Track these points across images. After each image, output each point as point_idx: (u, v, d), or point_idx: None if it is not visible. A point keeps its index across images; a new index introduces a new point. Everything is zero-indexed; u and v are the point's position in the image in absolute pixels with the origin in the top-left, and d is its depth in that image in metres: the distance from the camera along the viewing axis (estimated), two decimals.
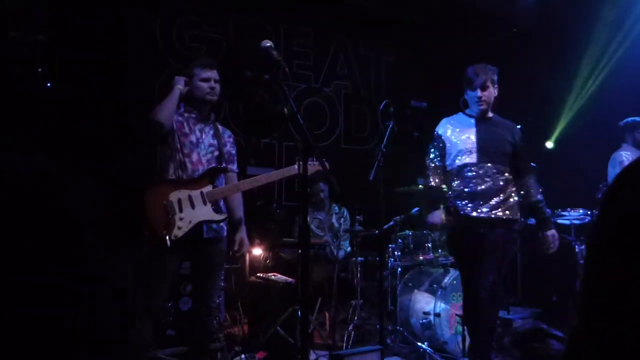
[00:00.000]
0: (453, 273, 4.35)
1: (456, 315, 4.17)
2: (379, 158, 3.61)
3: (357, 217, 4.97)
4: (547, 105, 6.65)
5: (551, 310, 5.43)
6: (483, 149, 3.45)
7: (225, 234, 3.23)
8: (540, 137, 6.62)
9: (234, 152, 3.39)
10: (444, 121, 3.68)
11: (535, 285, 6.07)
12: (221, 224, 3.17)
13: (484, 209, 3.41)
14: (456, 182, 3.51)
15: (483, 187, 3.41)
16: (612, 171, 4.95)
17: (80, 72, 4.59)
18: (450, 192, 3.55)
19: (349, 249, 5.20)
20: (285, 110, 2.43)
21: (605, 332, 0.66)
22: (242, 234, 3.31)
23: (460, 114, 3.66)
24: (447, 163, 3.57)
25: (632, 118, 5.01)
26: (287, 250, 4.75)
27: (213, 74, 3.20)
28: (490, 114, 3.59)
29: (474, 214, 3.41)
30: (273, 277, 4.52)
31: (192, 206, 3.03)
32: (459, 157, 3.50)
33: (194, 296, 3.22)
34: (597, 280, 0.70)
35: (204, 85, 3.16)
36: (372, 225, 4.76)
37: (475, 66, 3.54)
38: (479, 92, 3.48)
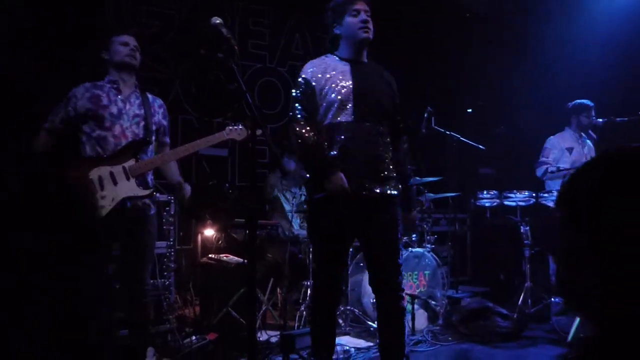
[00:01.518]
0: (404, 252, 4.42)
1: (406, 294, 4.25)
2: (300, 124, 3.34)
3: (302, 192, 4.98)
4: (497, 90, 6.79)
5: (498, 288, 5.61)
6: (361, 102, 2.79)
7: (152, 212, 3.10)
8: (489, 121, 6.77)
9: (165, 122, 3.26)
10: (308, 64, 2.94)
11: (483, 264, 6.25)
12: (148, 202, 3.06)
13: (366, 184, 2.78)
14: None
15: (362, 152, 2.79)
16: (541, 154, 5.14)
17: (30, 46, 4.40)
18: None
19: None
20: (238, 89, 2.39)
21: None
22: (184, 185, 3.19)
23: (329, 55, 2.97)
24: (318, 118, 2.84)
25: (580, 100, 5.13)
26: (239, 231, 4.72)
27: (131, 39, 3.09)
28: (365, 58, 2.96)
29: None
30: (225, 258, 4.49)
31: (115, 182, 2.90)
32: (331, 112, 2.80)
33: (124, 279, 3.07)
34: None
35: (123, 48, 3.05)
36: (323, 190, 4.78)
37: None
38: (363, 16, 2.85)
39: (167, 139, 3.30)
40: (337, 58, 2.93)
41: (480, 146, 5.21)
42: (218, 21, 2.41)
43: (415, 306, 4.30)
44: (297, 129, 2.77)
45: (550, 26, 6.31)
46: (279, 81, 6.30)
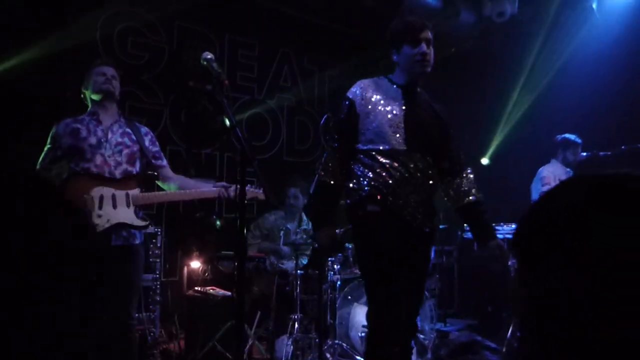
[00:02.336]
0: None
1: None
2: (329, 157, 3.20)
3: (297, 230, 4.97)
4: (482, 123, 6.88)
5: (486, 321, 5.59)
6: (412, 130, 2.62)
7: (137, 242, 3.04)
8: (476, 153, 6.84)
9: (155, 148, 3.26)
10: (357, 85, 2.75)
11: (471, 297, 6.24)
12: (134, 232, 3.02)
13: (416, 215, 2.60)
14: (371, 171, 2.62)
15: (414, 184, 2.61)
16: (535, 186, 5.15)
17: (22, 73, 4.40)
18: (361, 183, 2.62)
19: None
20: (226, 121, 2.40)
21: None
22: (215, 188, 3.14)
23: (382, 78, 2.79)
24: (359, 144, 2.67)
25: (567, 135, 5.17)
26: (226, 264, 4.68)
27: (108, 69, 3.09)
28: (418, 87, 2.82)
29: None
30: (211, 290, 4.44)
31: (114, 206, 2.90)
32: (380, 138, 2.61)
33: (109, 312, 2.96)
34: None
35: (100, 78, 3.06)
36: (312, 239, 4.76)
37: (409, 18, 2.79)
38: (423, 47, 2.65)
39: (163, 162, 3.28)
40: (389, 82, 2.75)
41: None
42: (209, 56, 2.44)
43: None
44: (324, 163, 2.66)
45: (534, 59, 6.44)
46: (267, 113, 6.34)
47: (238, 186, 3.09)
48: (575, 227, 0.69)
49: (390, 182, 2.53)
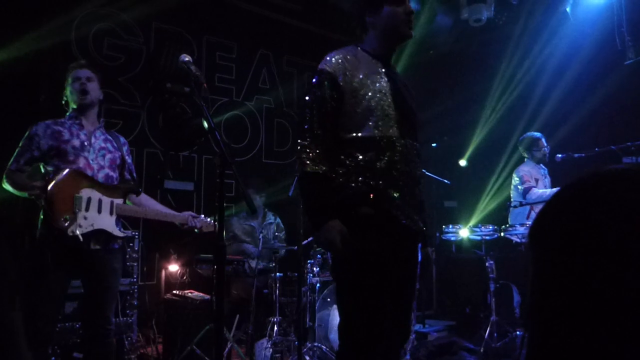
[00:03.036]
0: None
1: None
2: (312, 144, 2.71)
3: (283, 232, 4.96)
4: (460, 125, 6.95)
5: (464, 322, 5.63)
6: (402, 113, 2.23)
7: (115, 246, 3.03)
8: (454, 155, 6.90)
9: (130, 160, 3.26)
10: (332, 55, 2.27)
11: (449, 298, 6.29)
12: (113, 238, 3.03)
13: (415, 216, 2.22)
14: (362, 156, 2.16)
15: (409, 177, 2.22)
16: (514, 187, 5.21)
17: None
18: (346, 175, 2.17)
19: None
20: (204, 124, 2.38)
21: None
22: (184, 214, 3.16)
23: (353, 47, 2.34)
24: (345, 129, 2.19)
25: (528, 134, 5.25)
26: (205, 267, 4.64)
27: (83, 72, 3.04)
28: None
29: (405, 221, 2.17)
30: (190, 294, 4.40)
31: (99, 210, 2.90)
32: (371, 121, 2.17)
33: (85, 317, 2.97)
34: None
35: (75, 84, 3.02)
36: (291, 242, 4.76)
37: None
38: (409, 6, 2.30)
39: (134, 176, 3.28)
40: (362, 51, 2.30)
41: (446, 180, 5.30)
42: (187, 59, 2.42)
43: None
44: (307, 152, 2.14)
45: (510, 62, 6.53)
46: (246, 115, 6.32)
47: (204, 218, 3.15)
48: (594, 220, 0.70)
49: (384, 175, 2.13)
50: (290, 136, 6.73)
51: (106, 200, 2.94)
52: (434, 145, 6.58)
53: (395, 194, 2.14)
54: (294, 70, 6.79)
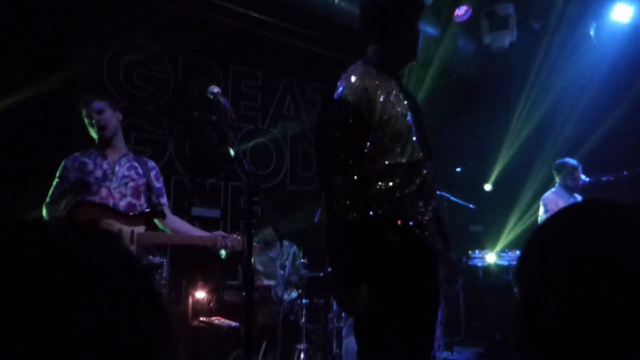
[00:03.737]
0: None
1: None
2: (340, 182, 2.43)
3: (301, 260, 4.97)
4: (484, 149, 6.92)
5: (494, 349, 5.53)
6: (421, 134, 2.13)
7: None
8: (479, 179, 6.86)
9: (159, 185, 3.26)
10: (349, 79, 2.06)
11: (477, 324, 6.19)
12: None
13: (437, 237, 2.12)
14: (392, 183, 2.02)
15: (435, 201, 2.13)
16: (541, 214, 5.06)
17: (29, 109, 4.44)
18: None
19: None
20: (232, 152, 2.43)
21: None
22: (214, 235, 3.12)
23: (364, 64, 2.14)
24: (371, 159, 2.04)
25: (563, 160, 5.08)
26: (232, 293, 4.67)
27: (92, 107, 3.06)
28: None
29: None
30: (217, 320, 4.43)
31: None
32: (399, 146, 2.03)
33: None
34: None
35: (91, 122, 3.07)
36: (318, 268, 4.76)
37: None
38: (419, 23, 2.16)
39: (164, 200, 3.28)
40: (374, 68, 2.12)
41: (471, 205, 5.27)
42: (216, 90, 2.48)
43: None
44: (335, 196, 1.96)
45: (533, 85, 6.51)
46: (271, 142, 6.39)
47: (236, 236, 3.11)
48: (576, 254, 0.70)
49: (415, 202, 2.01)
50: (314, 162, 6.77)
51: (126, 230, 2.93)
52: (458, 169, 6.56)
53: (426, 219, 2.02)
54: (318, 97, 6.87)
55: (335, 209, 1.95)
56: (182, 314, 4.89)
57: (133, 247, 2.95)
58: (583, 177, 4.92)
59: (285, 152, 6.54)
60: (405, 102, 2.09)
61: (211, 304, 4.80)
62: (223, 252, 4.65)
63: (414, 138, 2.06)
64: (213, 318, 4.48)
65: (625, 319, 0.64)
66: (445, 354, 4.84)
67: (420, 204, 2.03)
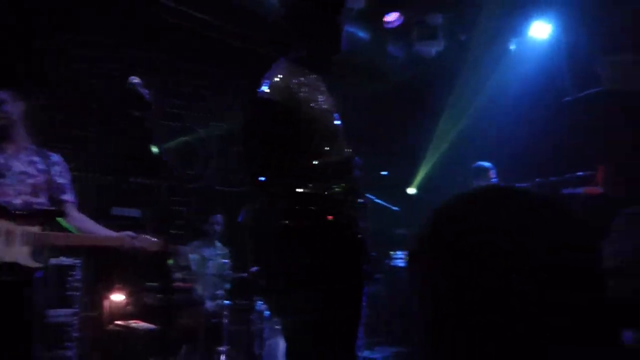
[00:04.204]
0: None
1: None
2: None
3: (225, 261, 4.91)
4: (410, 153, 7.09)
5: (415, 349, 5.65)
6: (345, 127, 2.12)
7: (38, 275, 2.77)
8: (404, 183, 7.03)
9: (62, 181, 3.00)
10: (273, 78, 2.02)
11: (399, 324, 6.31)
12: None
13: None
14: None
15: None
16: None
17: None
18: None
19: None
20: (154, 150, 2.33)
21: None
22: (120, 235, 2.92)
23: (289, 61, 2.14)
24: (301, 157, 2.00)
25: (479, 163, 5.34)
26: (150, 295, 4.53)
27: None
28: None
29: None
30: (134, 324, 4.28)
31: (7, 242, 2.66)
32: (327, 144, 2.03)
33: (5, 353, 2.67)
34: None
35: None
36: (241, 269, 4.71)
37: None
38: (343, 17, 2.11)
39: (67, 197, 3.00)
40: (298, 65, 2.11)
41: (395, 207, 5.37)
42: (136, 80, 2.37)
43: None
44: (267, 198, 1.96)
45: (461, 91, 6.73)
46: (199, 142, 6.26)
47: (146, 236, 2.87)
48: (461, 241, 0.73)
49: (342, 199, 1.99)
50: (243, 162, 6.68)
51: (19, 230, 2.70)
52: (384, 173, 6.68)
53: (356, 216, 2.00)
54: (247, 96, 6.80)
55: (267, 208, 1.93)
56: (98, 318, 4.69)
57: (26, 249, 2.70)
58: (496, 179, 5.21)
59: (213, 151, 6.42)
60: (330, 99, 2.08)
61: (129, 307, 4.64)
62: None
63: (340, 135, 2.05)
64: (130, 321, 4.33)
65: (521, 301, 0.66)
66: (365, 352, 4.90)
67: (351, 201, 2.00)
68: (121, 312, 4.54)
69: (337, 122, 2.05)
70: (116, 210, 5.20)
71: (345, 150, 2.04)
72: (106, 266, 4.26)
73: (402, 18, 6.17)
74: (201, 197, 6.01)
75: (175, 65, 6.13)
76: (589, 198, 4.96)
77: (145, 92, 2.36)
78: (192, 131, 6.22)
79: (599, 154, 5.48)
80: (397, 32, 6.36)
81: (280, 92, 1.97)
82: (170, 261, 3.02)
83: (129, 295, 4.57)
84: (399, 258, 5.01)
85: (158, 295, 4.45)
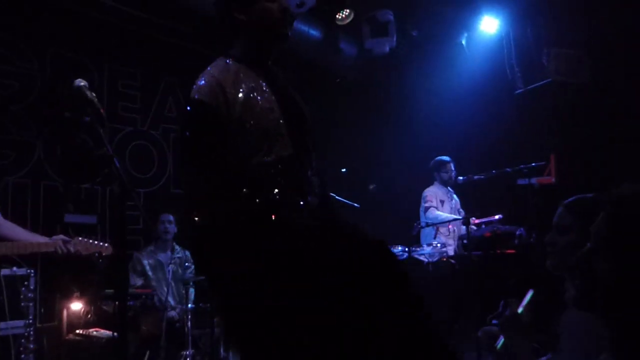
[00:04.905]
0: None
1: None
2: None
3: (187, 264, 4.83)
4: (368, 150, 7.15)
5: None
6: (293, 125, 2.00)
7: None
8: (363, 179, 7.08)
9: None
10: (205, 77, 1.96)
11: None
12: None
13: None
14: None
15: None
16: (421, 208, 5.48)
17: None
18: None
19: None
20: (106, 154, 2.27)
21: None
22: (53, 239, 2.83)
23: (222, 59, 2.05)
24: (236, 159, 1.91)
25: (438, 157, 5.63)
26: (110, 302, 4.42)
27: None
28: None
29: None
30: (95, 332, 4.18)
31: None
32: (266, 144, 1.92)
33: None
34: None
35: None
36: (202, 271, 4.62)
37: None
38: (284, 3, 2.03)
39: None
40: (237, 62, 2.01)
41: (355, 204, 5.40)
42: (82, 83, 2.29)
43: None
44: (204, 200, 1.86)
45: (415, 86, 6.82)
46: (152, 144, 6.14)
47: (81, 239, 2.84)
48: None
49: (283, 198, 1.90)
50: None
51: None
52: (343, 170, 6.72)
53: (301, 214, 1.92)
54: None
55: (204, 210, 1.84)
56: (56, 328, 4.56)
57: None
58: (460, 178, 5.38)
59: (167, 154, 6.31)
60: (274, 97, 1.97)
61: (89, 316, 4.52)
62: (100, 260, 4.41)
63: (284, 133, 1.94)
64: (91, 330, 4.22)
65: None
66: None
67: (294, 199, 1.93)
68: (81, 321, 4.42)
69: (278, 120, 1.95)
70: (70, 218, 5.06)
71: (288, 150, 1.93)
72: (64, 275, 4.14)
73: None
74: (156, 201, 5.91)
75: (124, 68, 5.99)
76: (542, 187, 5.13)
77: (91, 94, 2.29)
78: (146, 134, 6.10)
79: (549, 144, 5.68)
80: (350, 30, 6.40)
81: (209, 92, 1.90)
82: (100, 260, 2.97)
83: (89, 303, 4.45)
84: None
85: (116, 302, 4.36)
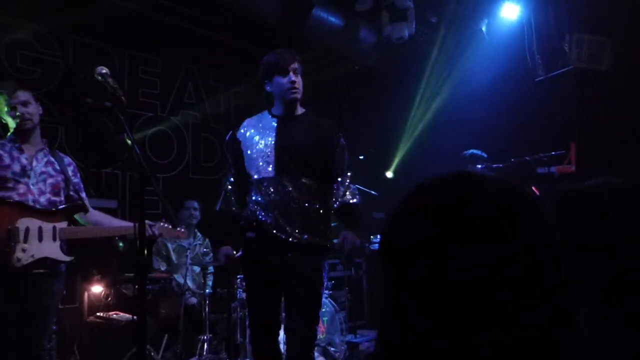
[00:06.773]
0: None
1: None
2: (226, 188, 3.19)
3: (204, 249, 4.88)
4: (386, 137, 7.12)
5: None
6: (281, 157, 2.90)
7: (62, 269, 3.01)
8: (380, 167, 7.06)
9: (77, 180, 3.22)
10: (245, 122, 3.12)
11: (380, 308, 6.38)
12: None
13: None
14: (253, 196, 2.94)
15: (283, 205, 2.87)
16: None
17: None
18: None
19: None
20: (128, 140, 2.33)
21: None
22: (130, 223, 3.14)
23: (265, 112, 3.09)
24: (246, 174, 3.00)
25: (472, 151, 5.39)
26: (130, 286, 4.50)
27: (18, 96, 2.98)
28: (299, 110, 3.05)
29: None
30: (115, 315, 4.26)
31: (40, 239, 2.83)
32: (254, 168, 2.95)
33: (18, 343, 2.85)
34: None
35: (12, 114, 2.97)
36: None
37: (279, 51, 3.02)
38: (292, 76, 2.93)
39: (84, 195, 3.23)
40: (268, 114, 3.05)
41: (373, 192, 5.40)
42: (104, 71, 2.36)
43: (316, 354, 4.27)
44: (225, 192, 3.06)
45: (434, 73, 6.76)
46: (171, 130, 6.19)
47: (162, 223, 3.09)
48: (434, 229, 0.72)
49: (259, 208, 2.87)
50: (217, 151, 6.64)
51: (47, 227, 2.87)
52: (361, 157, 6.71)
53: (269, 220, 2.84)
54: (220, 85, 6.74)
55: (221, 206, 3.08)
56: (77, 310, 4.65)
57: (57, 244, 2.89)
58: (478, 166, 5.24)
59: (186, 140, 6.37)
60: (275, 134, 2.94)
61: (109, 299, 4.60)
62: (121, 245, 4.48)
63: (269, 160, 2.89)
64: (111, 313, 4.30)
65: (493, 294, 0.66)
66: (348, 337, 4.95)
67: (268, 210, 2.85)
68: (101, 304, 4.51)
69: (269, 151, 2.91)
70: (91, 202, 5.14)
71: (264, 172, 2.91)
72: (85, 259, 4.20)
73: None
74: (175, 186, 5.97)
75: (145, 55, 6.03)
76: (562, 176, 5.06)
77: (113, 81, 2.35)
78: (166, 120, 6.15)
79: (570, 132, 5.59)
80: (369, 17, 6.35)
81: (239, 133, 3.06)
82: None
83: (109, 287, 4.53)
84: (378, 242, 5.04)
85: (135, 286, 4.43)
